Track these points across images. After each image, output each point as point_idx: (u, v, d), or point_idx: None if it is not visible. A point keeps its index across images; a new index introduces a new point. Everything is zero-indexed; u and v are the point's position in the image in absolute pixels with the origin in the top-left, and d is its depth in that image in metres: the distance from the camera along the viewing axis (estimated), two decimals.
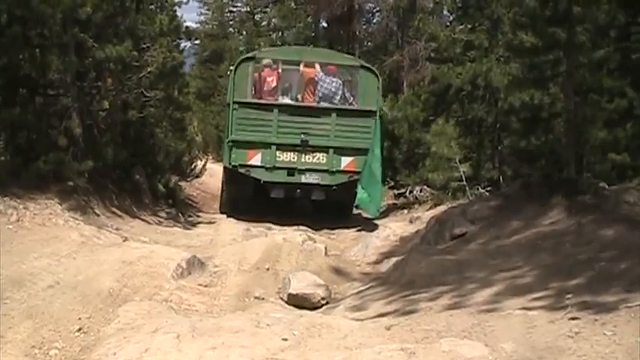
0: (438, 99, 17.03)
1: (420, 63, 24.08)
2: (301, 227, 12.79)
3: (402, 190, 16.72)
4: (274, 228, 13.22)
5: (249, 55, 14.64)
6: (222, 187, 16.30)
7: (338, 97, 13.89)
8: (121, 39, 12.70)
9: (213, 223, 14.49)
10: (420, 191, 15.86)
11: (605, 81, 10.19)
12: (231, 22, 47.11)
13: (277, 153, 13.59)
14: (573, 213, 8.59)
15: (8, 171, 11.10)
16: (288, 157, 13.64)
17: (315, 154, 13.68)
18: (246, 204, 14.51)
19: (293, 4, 35.86)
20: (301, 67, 13.88)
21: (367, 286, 8.37)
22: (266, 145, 13.57)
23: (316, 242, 10.81)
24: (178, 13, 19.64)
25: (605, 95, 10.31)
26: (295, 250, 9.73)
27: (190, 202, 18.16)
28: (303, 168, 13.66)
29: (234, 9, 47.55)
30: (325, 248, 10.42)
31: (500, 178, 14.47)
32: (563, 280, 6.32)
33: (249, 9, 44.92)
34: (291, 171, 13.67)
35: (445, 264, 8.03)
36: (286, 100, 14.02)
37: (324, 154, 13.66)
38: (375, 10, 32.07)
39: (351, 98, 14.06)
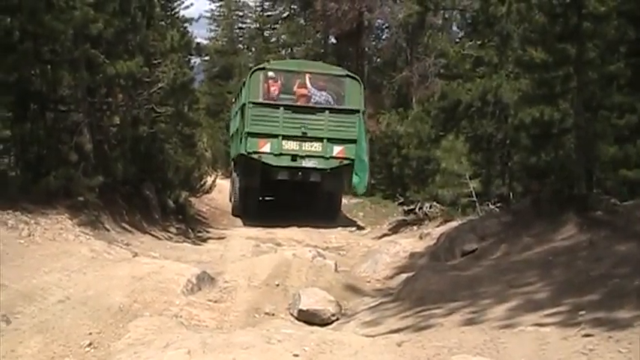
0: (447, 115, 16.98)
1: (429, 79, 24.22)
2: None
3: (412, 207, 16.66)
4: (283, 244, 13.28)
5: (260, 66, 18.21)
6: (231, 196, 20.21)
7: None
8: (131, 55, 12.80)
9: (223, 238, 14.54)
10: (430, 207, 15.81)
11: (615, 97, 10.13)
12: (240, 39, 47.43)
13: (283, 142, 17.07)
14: (585, 229, 8.54)
15: (19, 186, 11.16)
16: (291, 146, 17.16)
17: (312, 143, 17.23)
18: (255, 202, 18.96)
19: (302, 21, 36.14)
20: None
21: (378, 303, 8.33)
22: (274, 136, 16.99)
23: (326, 258, 10.79)
24: (188, 30, 19.84)
25: (615, 111, 10.23)
26: (305, 266, 9.70)
27: (200, 217, 18.20)
28: (303, 154, 17.15)
29: (244, 25, 47.94)
30: (335, 264, 10.38)
31: (510, 195, 14.38)
32: (576, 297, 6.26)
33: (258, 25, 45.25)
34: (294, 157, 17.16)
35: (456, 280, 7.98)
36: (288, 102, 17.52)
37: (320, 143, 17.22)
38: (384, 27, 32.33)
39: (340, 101, 17.65)
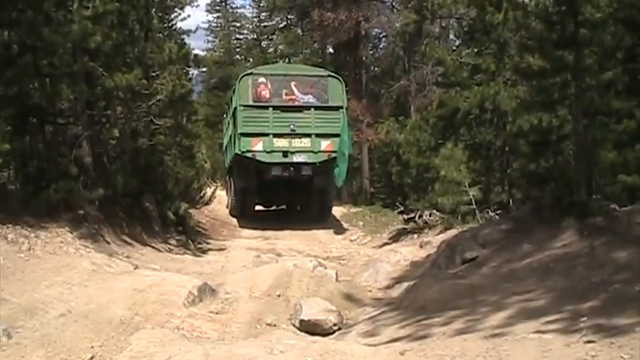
0: (445, 123, 17.03)
1: (427, 87, 24.24)
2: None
3: (412, 215, 16.69)
4: (284, 254, 13.27)
5: (248, 71, 19.64)
6: (229, 201, 21.54)
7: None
8: (130, 67, 12.82)
9: (224, 249, 14.54)
10: (430, 215, 15.83)
11: (613, 103, 10.13)
12: (238, 50, 47.49)
13: (274, 140, 18.10)
14: (585, 235, 8.54)
15: (19, 200, 11.13)
16: (282, 143, 18.17)
17: (301, 139, 18.26)
18: (252, 204, 20.31)
19: (299, 31, 36.16)
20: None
21: (379, 312, 8.34)
22: (265, 135, 18.08)
23: (327, 268, 10.79)
24: (186, 42, 19.96)
25: (613, 117, 10.25)
26: (306, 276, 9.71)
27: (200, 229, 18.19)
28: (293, 150, 18.17)
29: (241, 36, 48.04)
30: (336, 274, 10.40)
31: (510, 202, 14.41)
32: (577, 303, 6.26)
33: (255, 36, 45.35)
34: (285, 153, 18.14)
35: (457, 288, 7.99)
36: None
37: (309, 139, 18.27)
38: (381, 36, 32.31)
39: (324, 99, 18.75)
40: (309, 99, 18.72)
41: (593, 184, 10.22)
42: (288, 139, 18.20)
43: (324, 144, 18.34)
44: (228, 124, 21.24)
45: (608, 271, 7.10)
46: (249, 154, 18.07)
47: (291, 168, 18.32)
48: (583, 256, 7.94)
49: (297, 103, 18.61)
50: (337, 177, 17.95)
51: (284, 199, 21.68)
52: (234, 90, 19.68)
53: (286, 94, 18.71)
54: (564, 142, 10.51)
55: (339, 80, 19.41)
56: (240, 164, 18.91)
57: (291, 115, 18.35)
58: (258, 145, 18.09)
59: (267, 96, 18.58)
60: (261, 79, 18.69)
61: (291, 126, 18.19)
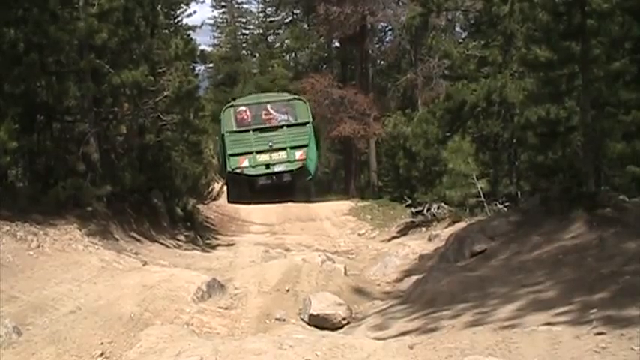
0: (453, 116, 16.95)
1: (434, 80, 24.24)
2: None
3: (420, 208, 16.65)
4: (292, 249, 13.28)
5: (230, 104, 24.83)
6: (227, 189, 24.19)
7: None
8: (136, 64, 12.81)
9: (232, 245, 14.56)
10: (438, 209, 15.79)
11: (621, 93, 10.07)
12: (244, 45, 47.44)
13: (257, 156, 23.01)
14: (594, 227, 8.51)
15: (28, 197, 11.17)
16: (263, 158, 23.10)
17: (279, 153, 23.17)
18: (246, 197, 23.11)
19: (305, 26, 36.07)
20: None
21: (388, 305, 8.33)
22: (249, 153, 22.98)
23: (335, 262, 10.77)
24: (192, 37, 20.00)
25: (621, 108, 10.19)
26: (315, 270, 9.68)
27: (208, 224, 18.21)
28: (273, 162, 23.12)
29: (247, 31, 47.99)
30: (345, 268, 10.37)
31: (518, 194, 14.37)
32: (586, 295, 6.24)
33: (261, 31, 45.28)
34: (267, 166, 23.06)
35: (466, 281, 7.97)
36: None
37: (285, 152, 23.15)
38: (387, 29, 32.27)
39: (293, 118, 23.77)
40: (284, 118, 23.60)
41: (601, 175, 10.19)
42: (268, 154, 23.06)
43: (298, 154, 23.16)
44: (220, 147, 25.09)
45: (618, 263, 7.08)
46: (238, 171, 22.82)
47: (274, 177, 23.18)
48: (592, 248, 7.92)
49: (274, 123, 23.46)
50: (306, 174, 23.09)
51: (274, 199, 24.50)
52: (219, 120, 24.25)
53: (266, 119, 23.55)
54: (572, 134, 10.47)
55: (303, 101, 24.61)
56: (233, 179, 23.35)
57: (268, 134, 23.18)
58: (244, 162, 22.89)
59: (248, 121, 23.43)
60: (241, 108, 23.76)
61: (270, 143, 22.99)
